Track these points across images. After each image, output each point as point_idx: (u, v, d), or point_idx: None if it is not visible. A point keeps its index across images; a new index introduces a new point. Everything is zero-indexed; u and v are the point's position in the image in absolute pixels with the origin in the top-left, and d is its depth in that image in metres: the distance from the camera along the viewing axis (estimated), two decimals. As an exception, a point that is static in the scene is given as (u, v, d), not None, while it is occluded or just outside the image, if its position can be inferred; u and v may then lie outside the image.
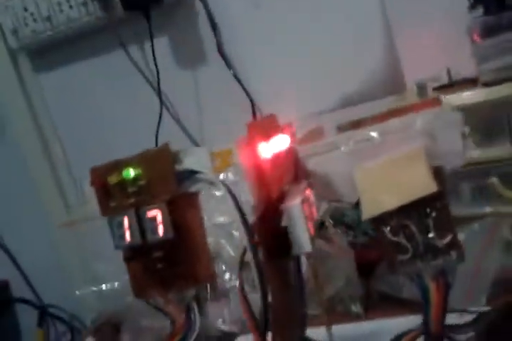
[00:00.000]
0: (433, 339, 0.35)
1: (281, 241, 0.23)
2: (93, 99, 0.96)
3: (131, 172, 0.32)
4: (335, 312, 0.63)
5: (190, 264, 0.34)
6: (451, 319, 0.50)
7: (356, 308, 0.63)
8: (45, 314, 1.15)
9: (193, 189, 0.32)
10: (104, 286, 0.67)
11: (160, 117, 0.90)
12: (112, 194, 0.33)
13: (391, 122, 0.29)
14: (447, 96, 0.64)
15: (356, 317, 0.62)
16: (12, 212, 1.08)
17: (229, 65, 0.86)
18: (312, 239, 0.24)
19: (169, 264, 0.35)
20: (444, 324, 0.34)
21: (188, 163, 0.31)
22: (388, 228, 0.31)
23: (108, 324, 0.69)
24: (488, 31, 0.61)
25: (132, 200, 0.33)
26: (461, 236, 0.63)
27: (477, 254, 0.61)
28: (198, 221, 0.34)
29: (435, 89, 0.66)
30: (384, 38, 0.82)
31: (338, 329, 0.59)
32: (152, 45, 0.88)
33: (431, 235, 0.30)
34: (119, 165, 0.33)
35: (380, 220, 0.31)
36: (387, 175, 0.29)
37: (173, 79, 0.91)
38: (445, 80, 0.71)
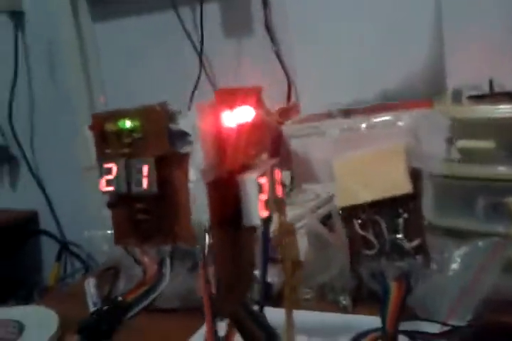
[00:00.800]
0: (387, 338, 0.35)
1: (235, 211, 0.24)
2: (140, 52, 0.98)
3: (127, 124, 0.34)
4: (324, 300, 0.65)
5: (170, 222, 0.36)
6: (429, 328, 0.50)
7: (345, 300, 0.64)
8: (64, 249, 1.23)
9: (183, 150, 0.33)
10: (109, 231, 0.70)
11: (198, 80, 0.92)
12: (108, 141, 0.35)
13: (380, 116, 0.29)
14: (480, 106, 0.63)
15: (342, 309, 0.63)
16: (51, 149, 1.14)
17: (273, 40, 0.86)
18: (269, 217, 0.25)
19: (150, 218, 0.36)
20: (398, 325, 0.34)
21: (183, 124, 0.32)
22: (359, 221, 0.31)
23: (111, 269, 0.73)
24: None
25: (126, 150, 0.35)
26: (463, 250, 0.63)
27: (475, 271, 0.60)
28: (183, 181, 0.35)
29: (469, 97, 0.64)
30: (434, 39, 0.80)
31: (311, 315, 0.61)
32: (201, 10, 0.89)
33: (399, 236, 0.30)
34: (118, 115, 0.34)
35: (352, 212, 0.31)
36: (365, 169, 0.29)
37: (217, 45, 0.92)
38: (486, 90, 0.69)
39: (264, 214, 0.24)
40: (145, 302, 0.35)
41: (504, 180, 0.61)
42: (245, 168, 0.24)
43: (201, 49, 0.90)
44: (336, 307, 0.63)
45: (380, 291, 0.33)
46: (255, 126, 0.23)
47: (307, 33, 0.87)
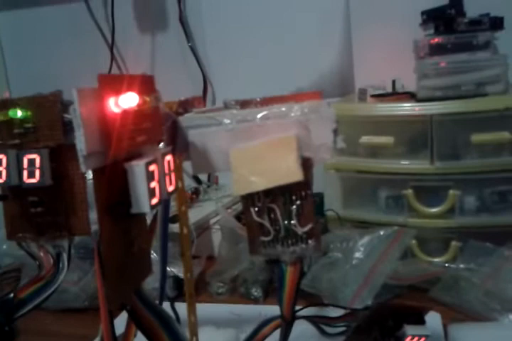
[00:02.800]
0: (285, 322, 0.36)
1: (124, 199, 0.24)
2: (48, 44, 0.94)
3: (18, 113, 0.32)
4: (237, 293, 0.66)
5: (66, 215, 0.35)
6: (334, 313, 0.53)
7: (256, 292, 0.65)
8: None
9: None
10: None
11: (109, 73, 0.89)
12: (-3, 131, 0.33)
13: (273, 108, 0.30)
14: (381, 104, 0.67)
15: (254, 301, 0.64)
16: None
17: (188, 35, 0.86)
18: (156, 202, 0.25)
19: (45, 211, 0.35)
20: (294, 308, 0.36)
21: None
22: (256, 209, 0.32)
23: (12, 270, 0.70)
24: (433, 50, 0.63)
25: (16, 141, 0.33)
26: (366, 239, 0.67)
27: (376, 259, 0.63)
28: (78, 173, 0.34)
29: (373, 95, 0.68)
30: (343, 43, 0.84)
31: (222, 308, 0.62)
32: (112, 2, 0.87)
33: (293, 222, 0.32)
34: (8, 104, 0.33)
35: (250, 200, 0.32)
36: (259, 158, 0.30)
37: (130, 39, 0.90)
38: (389, 90, 0.74)
39: (154, 201, 0.25)
40: (40, 299, 0.33)
41: (403, 173, 0.66)
42: (134, 155, 0.24)
43: (112, 42, 0.88)
44: (248, 300, 0.64)
45: (277, 276, 0.34)
46: (142, 113, 0.23)
47: (221, 30, 0.88)
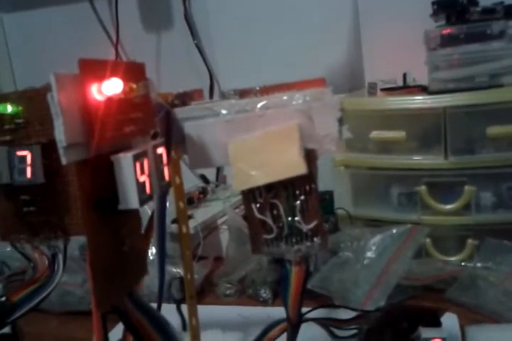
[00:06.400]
0: (291, 324, 0.35)
1: (111, 194, 0.23)
2: (54, 45, 0.94)
3: (8, 108, 0.31)
4: (246, 295, 0.64)
5: (59, 214, 0.33)
6: (345, 315, 0.51)
7: (265, 293, 0.63)
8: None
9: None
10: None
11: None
12: (-14, 127, 0.32)
13: (273, 97, 0.28)
14: (392, 98, 0.64)
15: (263, 302, 0.62)
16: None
17: (193, 33, 0.85)
18: (146, 198, 0.23)
19: (38, 210, 0.34)
20: (300, 310, 0.34)
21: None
22: (257, 205, 0.30)
23: (19, 273, 0.69)
24: (445, 41, 0.61)
25: (7, 138, 0.32)
26: (378, 238, 0.64)
27: (389, 258, 0.61)
28: (73, 170, 0.33)
29: (383, 89, 0.66)
30: (352, 37, 0.82)
31: (229, 309, 0.60)
32: (116, 2, 0.86)
33: (297, 218, 0.30)
34: (-2, 99, 0.31)
35: (251, 196, 0.30)
36: (260, 151, 0.28)
37: (135, 37, 0.89)
38: (400, 83, 0.71)
39: (144, 197, 0.23)
40: (34, 302, 0.32)
41: (415, 169, 0.63)
42: (123, 147, 0.23)
43: (117, 40, 0.87)
44: (257, 301, 0.62)
45: (281, 276, 0.32)
46: (130, 102, 0.22)
47: (227, 27, 0.86)
